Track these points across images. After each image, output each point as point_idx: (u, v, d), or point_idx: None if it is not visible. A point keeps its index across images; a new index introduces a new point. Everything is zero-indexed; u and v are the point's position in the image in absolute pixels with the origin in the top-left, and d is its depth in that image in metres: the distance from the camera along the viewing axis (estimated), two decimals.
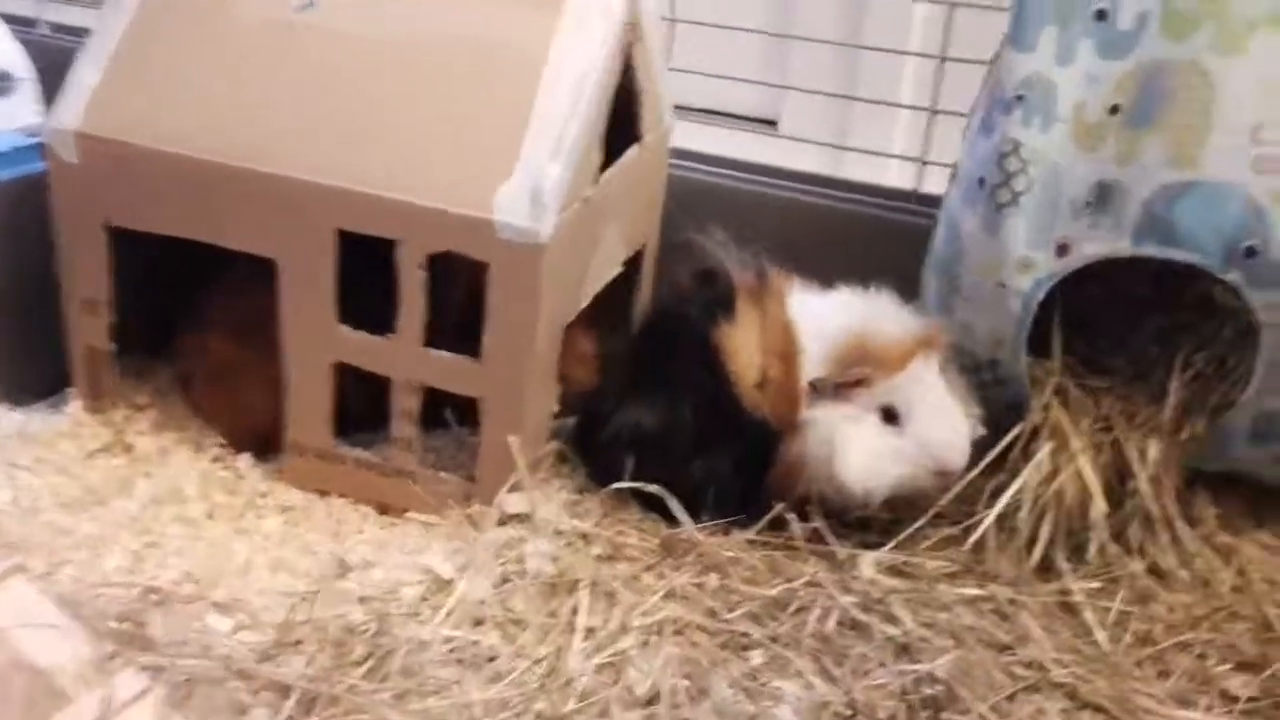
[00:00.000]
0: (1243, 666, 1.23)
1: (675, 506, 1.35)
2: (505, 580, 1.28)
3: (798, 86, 2.23)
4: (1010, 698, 1.13)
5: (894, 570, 1.33)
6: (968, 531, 1.34)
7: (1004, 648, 1.21)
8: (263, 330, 1.43)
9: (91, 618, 1.15)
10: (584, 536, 1.35)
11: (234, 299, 1.51)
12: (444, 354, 1.37)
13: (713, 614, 1.25)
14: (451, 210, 1.30)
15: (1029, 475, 1.33)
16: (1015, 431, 1.37)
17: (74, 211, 1.45)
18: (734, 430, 1.38)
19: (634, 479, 1.38)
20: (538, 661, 1.18)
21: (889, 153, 2.02)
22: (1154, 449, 1.34)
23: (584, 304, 1.47)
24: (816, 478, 1.36)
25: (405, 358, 1.38)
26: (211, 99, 1.40)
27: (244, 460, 1.50)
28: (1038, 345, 1.41)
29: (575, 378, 1.52)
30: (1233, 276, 1.27)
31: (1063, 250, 1.35)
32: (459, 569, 1.29)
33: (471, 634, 1.20)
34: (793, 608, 1.25)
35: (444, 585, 1.28)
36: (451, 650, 1.18)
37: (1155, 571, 1.33)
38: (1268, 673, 1.21)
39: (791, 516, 1.33)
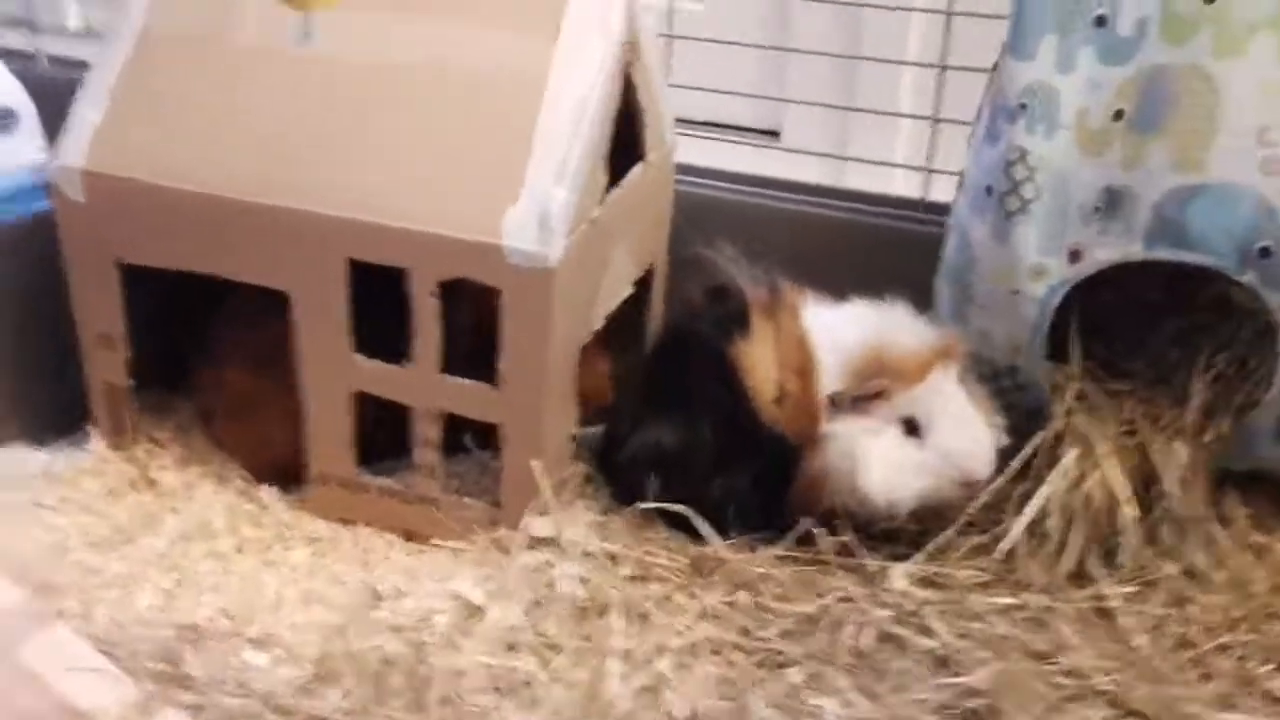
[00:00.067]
0: None
1: (701, 525, 1.35)
2: (536, 604, 1.28)
3: (797, 99, 2.23)
4: (1053, 708, 1.13)
5: (926, 581, 1.33)
6: (997, 540, 1.34)
7: (1043, 657, 1.21)
8: (279, 362, 1.43)
9: (128, 658, 1.15)
10: (612, 557, 1.35)
11: (247, 332, 1.51)
12: (461, 380, 1.37)
13: (747, 633, 1.25)
14: (461, 237, 1.30)
15: (1056, 481, 1.33)
16: (1039, 438, 1.37)
17: (83, 249, 1.45)
18: (753, 446, 1.38)
19: (657, 498, 1.38)
20: (574, 686, 1.18)
21: (893, 162, 2.03)
22: (1180, 451, 1.34)
23: (597, 325, 1.48)
24: (839, 491, 1.36)
25: (422, 385, 1.38)
26: (215, 132, 1.40)
27: (268, 492, 1.50)
28: (1055, 351, 1.42)
29: (594, 397, 1.53)
30: (1249, 278, 1.27)
31: (1075, 256, 1.35)
32: (489, 595, 1.29)
33: (507, 660, 1.20)
34: (827, 623, 1.25)
35: (475, 611, 1.27)
36: (488, 677, 1.18)
37: (1190, 574, 1.32)
38: None
39: (820, 531, 1.33)
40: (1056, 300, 1.37)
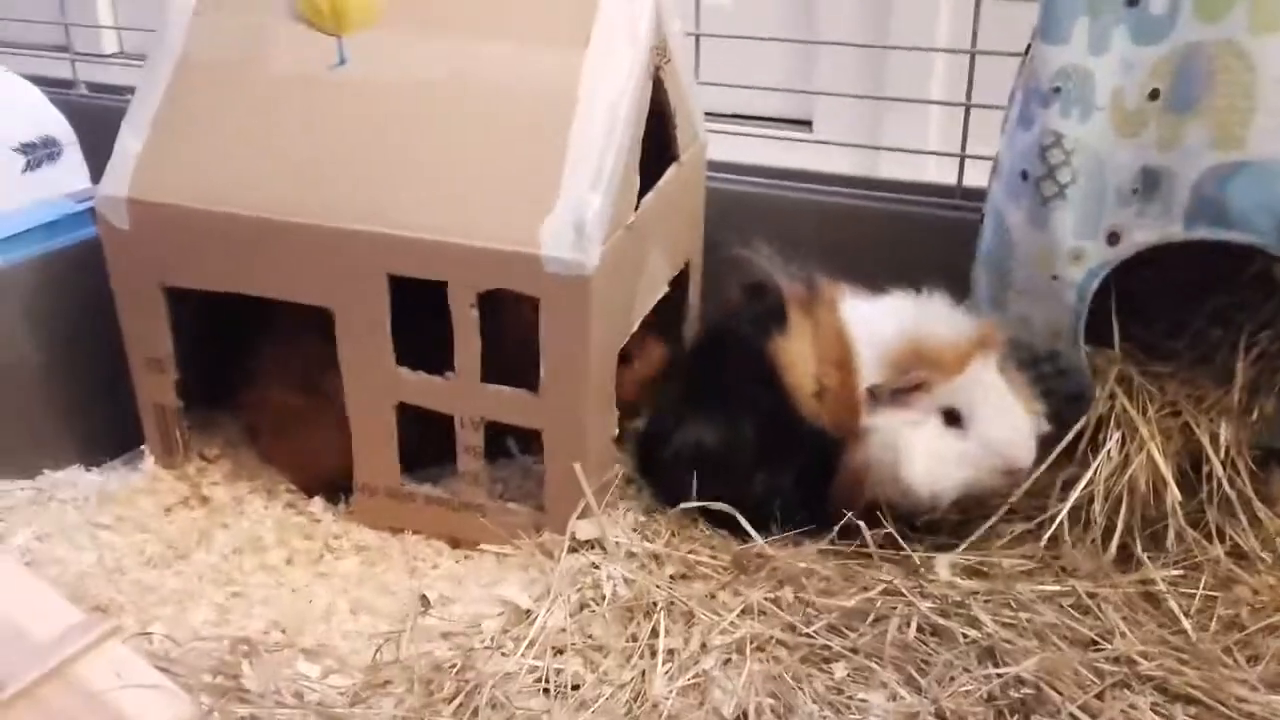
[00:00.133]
0: None
1: (744, 522, 1.35)
2: (583, 607, 1.29)
3: (827, 90, 2.23)
4: (1100, 696, 1.12)
5: (970, 571, 1.32)
6: (1041, 527, 1.33)
7: (1089, 643, 1.20)
8: (322, 377, 1.45)
9: (185, 673, 1.17)
10: (656, 558, 1.36)
11: (290, 349, 1.54)
12: (502, 389, 1.38)
13: (792, 628, 1.25)
14: (498, 248, 1.32)
15: (1100, 466, 1.32)
16: (1081, 423, 1.36)
17: (130, 275, 1.48)
18: (795, 442, 1.39)
19: (698, 497, 1.39)
20: (622, 687, 1.19)
21: (925, 149, 2.02)
22: (1225, 431, 1.33)
23: (634, 329, 1.48)
24: (882, 484, 1.36)
25: (465, 395, 1.39)
26: (254, 155, 1.42)
27: (316, 504, 1.53)
28: (1096, 334, 1.41)
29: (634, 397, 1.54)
30: None
31: (1113, 239, 1.34)
32: (536, 599, 1.30)
33: (554, 663, 1.21)
34: (872, 617, 1.25)
35: (523, 616, 1.29)
36: (537, 680, 1.19)
37: (1236, 554, 1.31)
38: None
39: (862, 524, 1.33)
40: (1095, 284, 1.36)
